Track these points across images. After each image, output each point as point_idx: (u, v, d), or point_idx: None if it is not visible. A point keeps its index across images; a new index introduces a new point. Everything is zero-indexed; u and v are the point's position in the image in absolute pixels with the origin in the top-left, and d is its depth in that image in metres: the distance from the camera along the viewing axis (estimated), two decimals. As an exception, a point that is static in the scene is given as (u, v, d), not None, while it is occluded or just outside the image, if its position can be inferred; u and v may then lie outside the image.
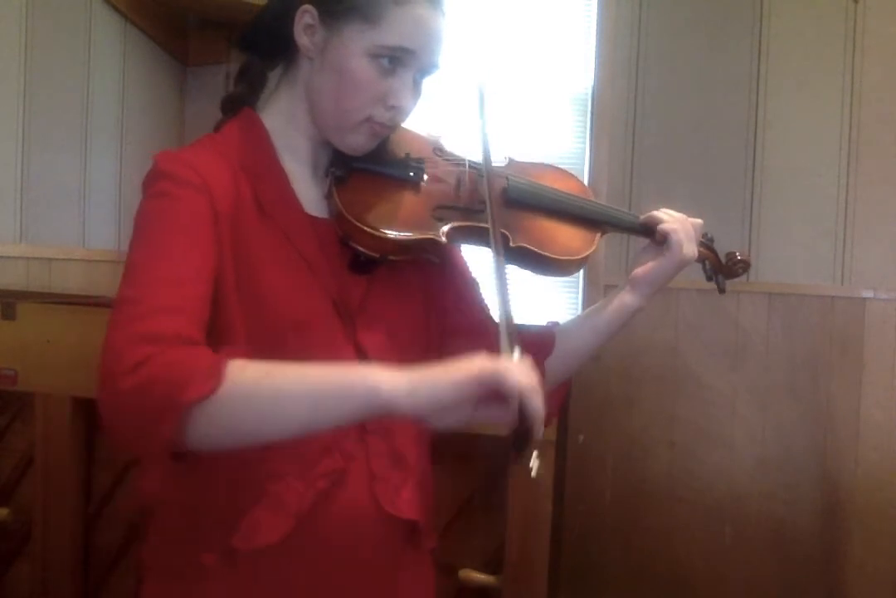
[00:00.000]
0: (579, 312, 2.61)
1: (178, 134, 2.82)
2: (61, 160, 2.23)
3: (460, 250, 1.14)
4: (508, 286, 0.88)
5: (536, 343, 1.08)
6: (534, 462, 0.77)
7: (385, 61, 0.93)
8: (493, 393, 0.74)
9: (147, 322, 0.78)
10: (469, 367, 0.75)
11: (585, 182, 1.92)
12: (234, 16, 2.63)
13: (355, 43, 0.92)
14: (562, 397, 1.15)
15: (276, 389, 0.76)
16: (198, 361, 0.75)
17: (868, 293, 2.39)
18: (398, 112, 0.97)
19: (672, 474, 2.50)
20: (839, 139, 2.42)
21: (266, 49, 1.02)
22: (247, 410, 0.75)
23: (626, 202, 2.53)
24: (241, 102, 1.02)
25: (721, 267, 1.20)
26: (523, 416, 0.75)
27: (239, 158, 0.95)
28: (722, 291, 1.21)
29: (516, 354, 0.80)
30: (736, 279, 1.22)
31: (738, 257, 1.19)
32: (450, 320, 1.10)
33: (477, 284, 1.15)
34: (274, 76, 1.04)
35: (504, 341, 0.81)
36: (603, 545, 2.52)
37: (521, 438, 0.76)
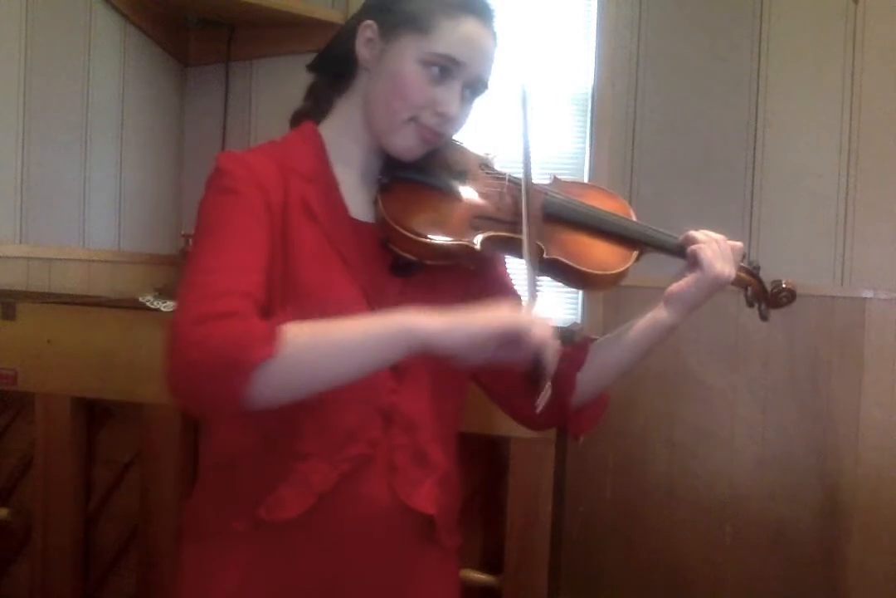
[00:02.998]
0: (578, 314, 2.62)
1: (178, 134, 2.82)
2: (61, 160, 2.22)
3: (505, 265, 1.19)
4: (535, 269, 1.00)
5: (569, 356, 1.11)
6: (544, 394, 0.88)
7: (435, 70, 1.02)
8: (514, 339, 0.86)
9: (214, 303, 0.88)
10: (499, 315, 0.87)
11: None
12: (234, 16, 2.63)
13: (409, 50, 1.02)
14: (598, 411, 1.16)
15: (328, 344, 0.88)
16: (256, 329, 0.86)
17: (868, 293, 2.39)
18: (444, 120, 1.03)
19: (672, 474, 2.50)
20: (839, 139, 2.42)
21: (332, 69, 1.12)
22: (305, 365, 0.87)
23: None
24: (305, 116, 1.12)
25: (765, 296, 1.17)
26: (538, 361, 0.87)
27: (292, 164, 1.03)
28: (764, 318, 1.18)
29: (538, 307, 0.92)
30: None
31: (784, 286, 1.16)
32: None
33: (520, 299, 1.17)
34: (336, 95, 1.13)
35: (530, 296, 0.94)
36: (603, 545, 2.52)
37: (535, 378, 0.88)
